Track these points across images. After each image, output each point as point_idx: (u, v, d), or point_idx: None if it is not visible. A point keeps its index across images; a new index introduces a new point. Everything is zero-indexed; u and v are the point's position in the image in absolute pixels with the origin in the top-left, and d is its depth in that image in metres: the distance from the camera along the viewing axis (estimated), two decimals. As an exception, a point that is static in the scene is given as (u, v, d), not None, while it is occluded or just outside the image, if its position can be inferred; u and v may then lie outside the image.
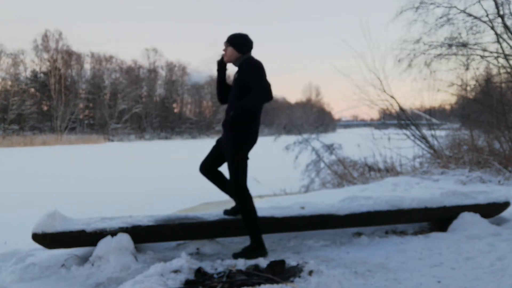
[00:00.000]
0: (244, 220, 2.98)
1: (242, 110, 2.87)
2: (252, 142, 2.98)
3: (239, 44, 3.00)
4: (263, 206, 3.55)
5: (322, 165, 12.79)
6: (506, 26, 8.42)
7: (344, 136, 15.90)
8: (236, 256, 2.83)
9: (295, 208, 3.50)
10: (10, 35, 69.52)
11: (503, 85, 9.37)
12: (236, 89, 2.99)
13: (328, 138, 15.33)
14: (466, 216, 3.71)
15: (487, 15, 8.61)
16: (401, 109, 11.07)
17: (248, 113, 2.91)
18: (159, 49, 74.35)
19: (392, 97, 10.94)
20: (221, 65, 3.16)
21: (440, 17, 9.23)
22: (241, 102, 2.86)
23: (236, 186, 2.95)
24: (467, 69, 9.56)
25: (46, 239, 2.80)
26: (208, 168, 3.16)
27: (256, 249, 2.91)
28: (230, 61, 3.06)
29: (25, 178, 13.96)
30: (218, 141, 3.15)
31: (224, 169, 3.18)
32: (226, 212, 3.27)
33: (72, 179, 13.79)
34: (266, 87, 2.82)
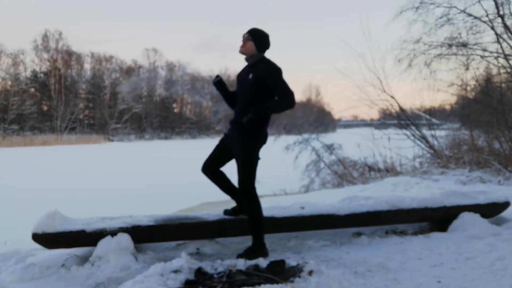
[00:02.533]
0: (249, 220, 2.97)
1: (263, 114, 2.87)
2: (262, 141, 2.98)
3: (261, 42, 2.96)
4: (263, 206, 3.54)
5: (322, 165, 12.80)
6: (506, 26, 8.42)
7: (344, 136, 15.90)
8: (239, 256, 2.83)
9: (295, 208, 3.50)
10: (10, 35, 69.60)
11: (503, 85, 9.36)
12: (249, 89, 2.93)
13: (328, 138, 15.34)
14: (466, 216, 3.71)
15: (487, 15, 8.62)
16: (401, 109, 11.07)
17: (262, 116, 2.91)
18: (159, 49, 74.43)
19: (392, 97, 10.96)
20: (219, 85, 3.15)
21: (440, 17, 9.24)
22: (264, 107, 2.84)
23: (244, 186, 2.93)
24: (467, 69, 9.57)
25: (46, 239, 2.80)
26: (211, 168, 3.13)
27: (258, 249, 2.90)
28: (243, 54, 3.01)
29: (25, 178, 13.96)
30: (222, 141, 3.12)
31: (226, 169, 3.17)
32: (226, 212, 3.27)
33: (72, 179, 13.80)
34: (291, 94, 2.84)
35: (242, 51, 3.00)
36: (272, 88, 2.87)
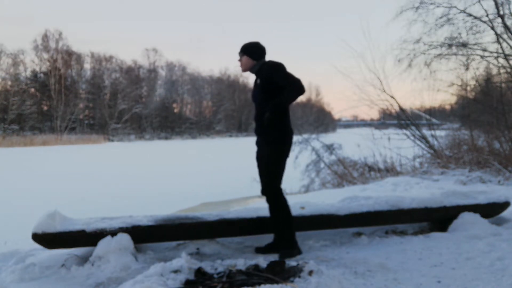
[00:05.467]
0: (275, 223, 2.96)
1: (278, 109, 2.89)
2: (287, 140, 2.99)
3: (252, 52, 3.07)
4: (263, 206, 3.54)
5: (322, 165, 12.78)
6: (506, 26, 8.42)
7: (344, 136, 15.91)
8: (281, 256, 2.86)
9: (295, 208, 3.49)
10: (10, 35, 69.60)
11: (503, 85, 9.36)
12: (259, 93, 3.01)
13: (328, 138, 15.34)
14: (466, 216, 3.71)
15: (487, 15, 8.61)
16: (401, 109, 11.07)
17: (280, 112, 2.93)
18: (159, 49, 74.44)
19: (392, 97, 10.95)
20: None
21: (440, 17, 9.23)
22: (277, 100, 2.87)
23: (269, 187, 2.93)
24: (467, 69, 9.56)
25: (46, 239, 2.80)
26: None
27: (292, 249, 2.92)
28: (247, 70, 3.12)
29: (25, 178, 13.96)
30: (257, 157, 3.10)
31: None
32: (258, 250, 3.16)
33: (72, 179, 13.79)
34: (297, 81, 2.87)
35: (244, 69, 3.13)
36: (280, 84, 2.91)
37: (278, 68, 2.93)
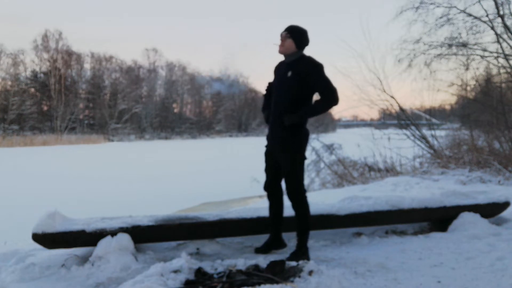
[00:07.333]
0: (299, 224, 2.89)
1: (310, 117, 2.83)
2: (306, 140, 2.90)
3: (300, 39, 2.86)
4: (263, 206, 3.54)
5: (322, 165, 12.78)
6: (506, 26, 8.43)
7: (344, 136, 15.89)
8: (287, 260, 2.73)
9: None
10: (10, 35, 69.63)
11: (503, 85, 9.38)
12: (288, 88, 2.83)
13: (328, 138, 15.33)
14: (466, 216, 3.71)
15: (487, 15, 8.63)
16: (401, 109, 11.07)
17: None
18: (159, 49, 74.37)
19: (392, 97, 10.96)
20: (270, 91, 3.10)
21: (440, 17, 9.26)
22: (309, 109, 2.79)
23: (295, 193, 2.85)
24: (467, 69, 9.60)
25: (46, 239, 2.80)
26: (274, 187, 3.03)
27: (304, 254, 2.85)
28: (283, 53, 2.91)
29: (26, 178, 13.96)
30: (267, 152, 3.00)
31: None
32: (258, 250, 3.11)
33: (72, 179, 13.79)
34: (335, 91, 2.77)
35: (281, 51, 2.90)
36: (314, 85, 2.80)
37: (320, 69, 2.79)
